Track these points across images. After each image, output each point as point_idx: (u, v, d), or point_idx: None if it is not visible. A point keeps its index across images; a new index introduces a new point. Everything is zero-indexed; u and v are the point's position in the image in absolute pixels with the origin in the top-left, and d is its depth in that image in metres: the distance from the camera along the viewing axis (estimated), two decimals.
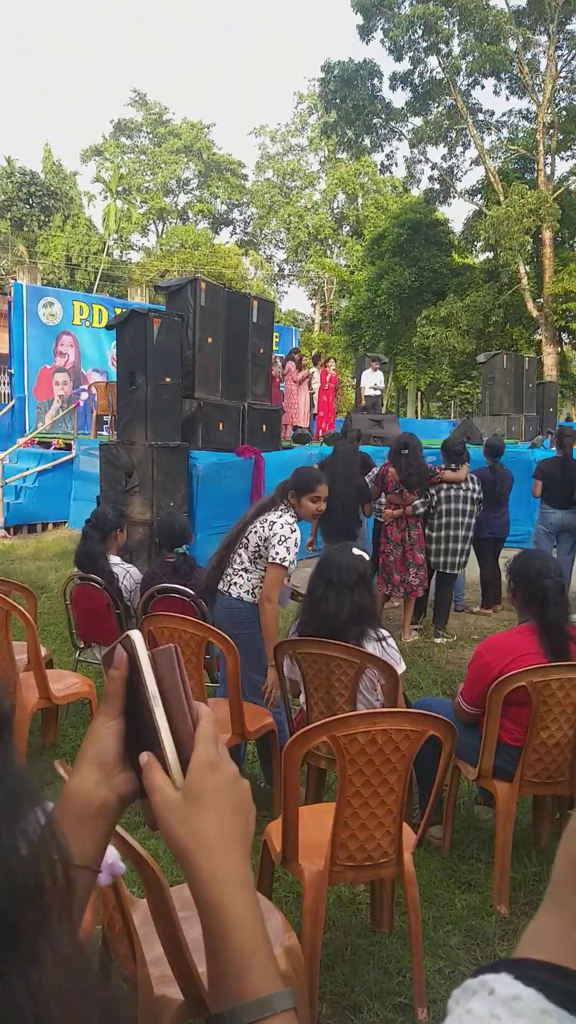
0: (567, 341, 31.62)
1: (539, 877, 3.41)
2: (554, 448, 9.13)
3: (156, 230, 50.30)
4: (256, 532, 4.09)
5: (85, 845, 0.77)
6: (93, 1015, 0.52)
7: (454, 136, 30.10)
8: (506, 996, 0.50)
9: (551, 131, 28.23)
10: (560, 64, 27.99)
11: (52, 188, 40.30)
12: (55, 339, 16.16)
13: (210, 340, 9.51)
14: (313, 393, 16.14)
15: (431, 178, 32.17)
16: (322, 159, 47.18)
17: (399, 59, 28.41)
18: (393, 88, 29.62)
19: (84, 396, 15.79)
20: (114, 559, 5.08)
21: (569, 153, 29.98)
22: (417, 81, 29.06)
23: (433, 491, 7.17)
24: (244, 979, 0.69)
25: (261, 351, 10.74)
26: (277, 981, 0.70)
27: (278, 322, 21.32)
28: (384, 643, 3.51)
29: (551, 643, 3.33)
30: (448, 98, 28.93)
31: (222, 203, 50.99)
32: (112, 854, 1.85)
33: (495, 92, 31.25)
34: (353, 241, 43.96)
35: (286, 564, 3.97)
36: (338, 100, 30.01)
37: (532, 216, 25.84)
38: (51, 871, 0.51)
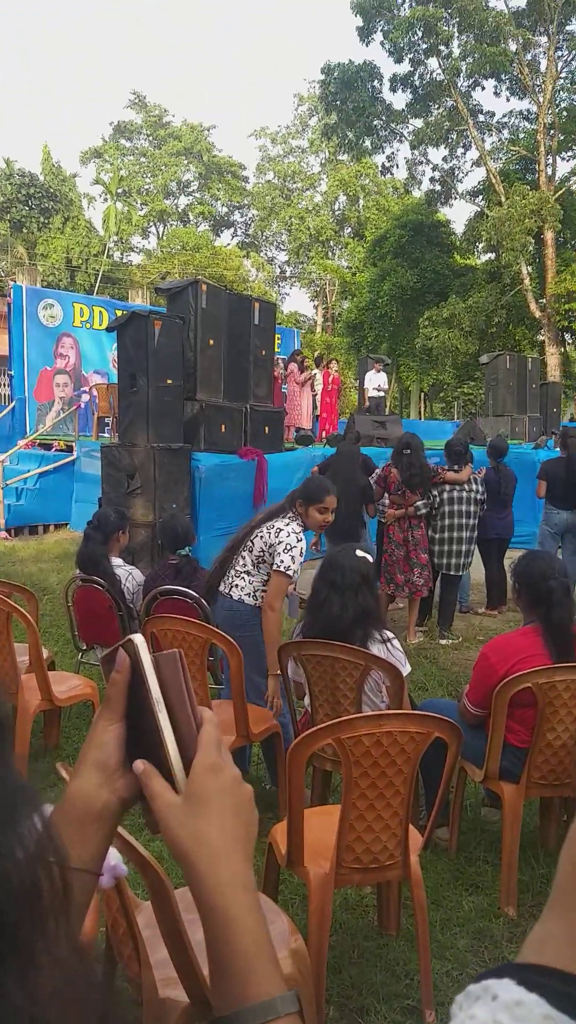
0: (570, 341, 31.63)
1: (547, 879, 3.39)
2: (558, 449, 9.12)
3: (156, 232, 50.40)
4: (262, 537, 4.08)
5: (86, 848, 0.76)
6: (92, 1018, 0.52)
7: (455, 137, 30.15)
8: (509, 1001, 0.50)
9: (552, 132, 28.30)
10: (560, 65, 28.07)
11: (52, 190, 40.41)
12: (55, 341, 16.19)
13: (212, 342, 9.50)
14: (316, 395, 16.15)
15: (432, 179, 32.29)
16: (323, 161, 47.32)
17: (399, 61, 28.52)
18: (393, 90, 29.71)
19: (85, 398, 15.80)
20: (116, 561, 5.07)
21: (570, 154, 30.05)
22: (417, 83, 29.14)
23: (435, 492, 7.16)
24: (247, 982, 0.68)
25: (263, 353, 10.73)
26: (280, 984, 0.69)
27: (280, 324, 21.38)
28: (389, 644, 3.49)
29: (556, 644, 3.31)
30: (449, 99, 28.98)
31: (223, 205, 51.10)
32: (114, 856, 1.85)
33: (495, 93, 31.41)
34: (355, 243, 44.05)
35: (290, 573, 3.96)
36: (338, 102, 30.09)
37: (534, 217, 25.88)
38: (48, 874, 0.51)
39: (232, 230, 52.67)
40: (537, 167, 28.81)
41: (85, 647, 5.21)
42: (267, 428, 10.52)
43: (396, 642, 3.55)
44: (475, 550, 7.53)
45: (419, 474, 7.00)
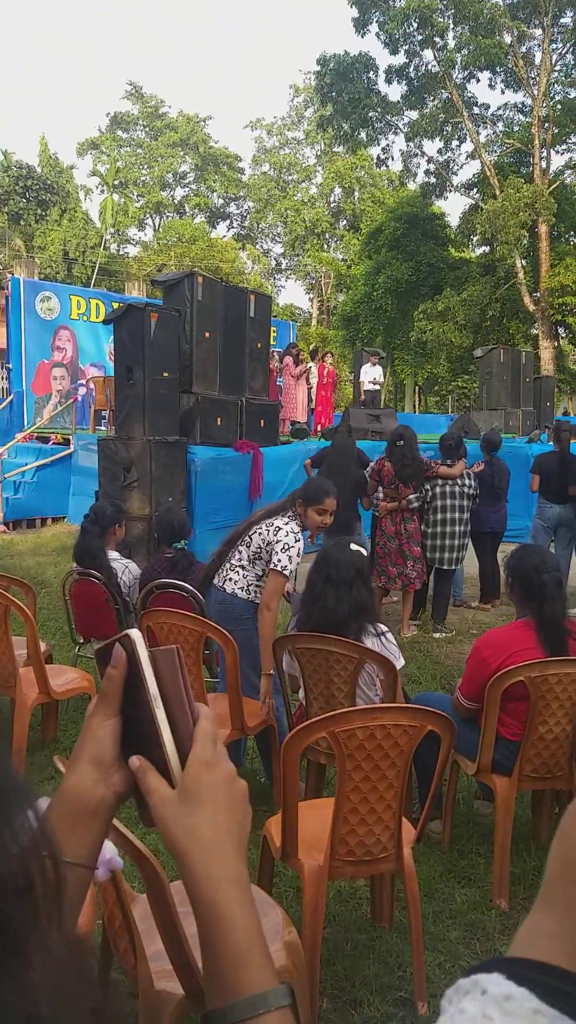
0: (564, 335, 31.61)
1: (539, 871, 3.41)
2: (551, 443, 9.13)
3: (153, 224, 50.21)
4: (260, 533, 4.10)
5: (81, 843, 0.77)
6: (86, 1013, 0.52)
7: (450, 130, 30.08)
8: (498, 996, 0.50)
9: (546, 125, 28.22)
10: (555, 58, 28.02)
11: (49, 182, 40.18)
12: (53, 334, 16.14)
13: (207, 335, 9.49)
14: (311, 388, 16.12)
15: (427, 172, 32.21)
16: (318, 152, 47.15)
17: (394, 52, 28.38)
18: (389, 81, 29.60)
19: (82, 391, 15.75)
20: (113, 554, 5.07)
21: (564, 147, 30.07)
22: (413, 74, 29.03)
23: (428, 486, 7.18)
24: (239, 975, 0.69)
25: (259, 345, 10.71)
26: (272, 977, 0.70)
27: (275, 316, 21.29)
28: (383, 638, 3.51)
29: (549, 638, 3.33)
30: (444, 91, 28.89)
31: (219, 197, 50.90)
32: (110, 849, 1.86)
33: (490, 86, 31.08)
34: (350, 235, 43.92)
35: (287, 573, 3.98)
36: (334, 93, 29.99)
37: (528, 210, 25.85)
38: (41, 869, 0.51)
39: (228, 222, 52.56)
40: (531, 160, 28.75)
41: (82, 640, 5.22)
42: (263, 421, 10.51)
43: (390, 635, 3.57)
44: (468, 544, 7.55)
45: (411, 465, 7.01)
